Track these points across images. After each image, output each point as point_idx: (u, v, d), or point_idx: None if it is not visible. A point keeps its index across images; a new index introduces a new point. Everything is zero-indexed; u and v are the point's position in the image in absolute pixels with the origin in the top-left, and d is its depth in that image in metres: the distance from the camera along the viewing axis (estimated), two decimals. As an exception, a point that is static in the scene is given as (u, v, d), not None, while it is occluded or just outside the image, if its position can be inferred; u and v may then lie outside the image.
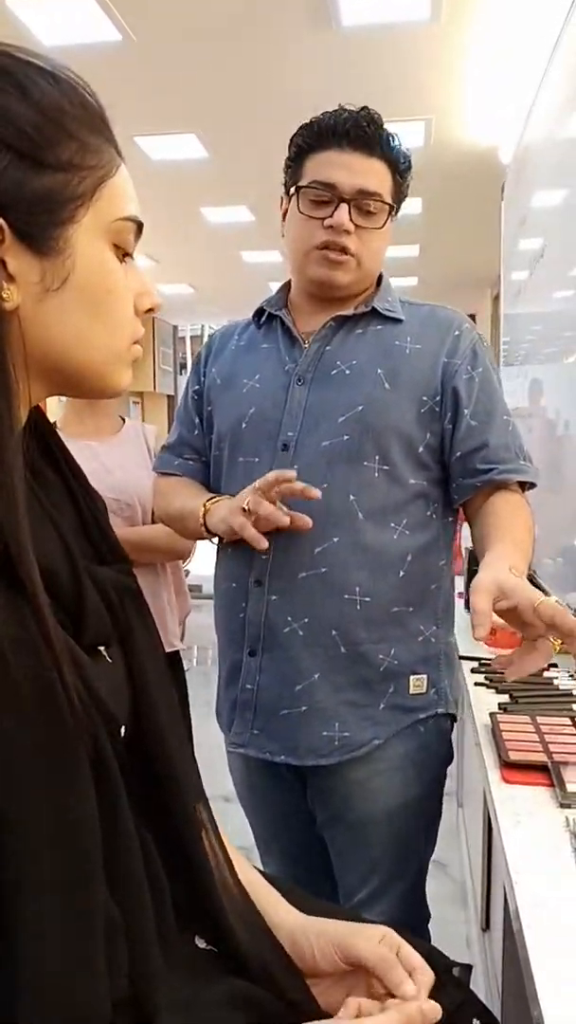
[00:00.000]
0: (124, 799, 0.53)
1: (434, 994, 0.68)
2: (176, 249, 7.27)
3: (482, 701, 1.30)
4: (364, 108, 1.18)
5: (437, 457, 1.21)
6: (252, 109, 4.40)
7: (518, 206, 2.81)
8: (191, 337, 12.96)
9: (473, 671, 1.46)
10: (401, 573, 1.18)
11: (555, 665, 1.48)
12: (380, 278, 1.29)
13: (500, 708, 1.25)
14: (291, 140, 1.22)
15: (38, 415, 0.61)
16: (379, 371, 1.18)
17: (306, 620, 1.16)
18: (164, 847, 0.60)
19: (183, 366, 12.09)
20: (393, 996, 0.62)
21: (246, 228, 6.66)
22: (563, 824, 0.90)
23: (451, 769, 1.26)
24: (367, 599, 1.15)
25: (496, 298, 6.49)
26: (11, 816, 0.46)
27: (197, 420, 1.34)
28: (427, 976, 0.64)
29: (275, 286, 1.36)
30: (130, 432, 1.94)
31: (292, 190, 1.21)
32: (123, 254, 0.57)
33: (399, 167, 1.20)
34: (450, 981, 0.73)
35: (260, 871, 0.76)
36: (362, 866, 1.26)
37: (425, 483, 1.20)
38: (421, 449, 1.18)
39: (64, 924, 0.47)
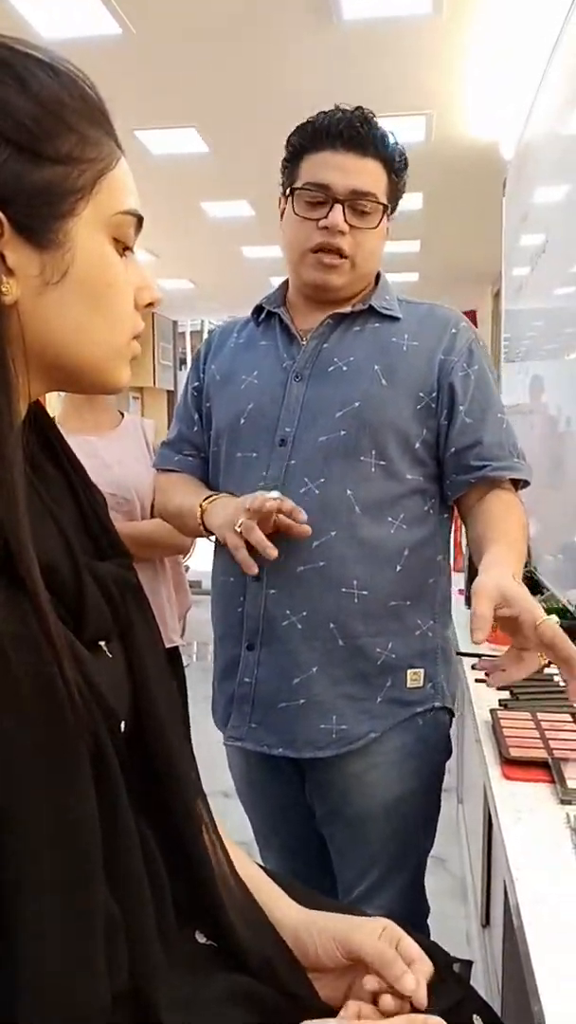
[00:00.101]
0: (124, 795, 0.53)
1: (434, 989, 0.68)
2: (176, 244, 7.25)
3: (483, 697, 1.30)
4: (358, 108, 1.18)
5: (433, 453, 1.22)
6: (253, 103, 4.39)
7: (519, 202, 2.80)
8: (191, 332, 12.96)
9: (474, 667, 1.46)
10: (398, 567, 1.18)
11: (555, 661, 1.48)
12: (378, 276, 1.30)
13: (501, 705, 1.25)
14: (287, 141, 1.23)
15: (38, 410, 0.61)
16: (376, 368, 1.19)
17: (304, 613, 1.17)
18: (164, 843, 0.60)
19: (183, 361, 12.08)
20: (393, 990, 0.62)
21: (247, 223, 6.65)
22: (563, 820, 0.90)
23: (451, 765, 1.26)
24: (365, 593, 1.16)
25: (497, 294, 6.48)
26: (11, 815, 0.46)
27: (196, 416, 1.35)
28: (426, 966, 0.65)
29: (276, 281, 1.37)
30: (129, 427, 1.93)
31: (287, 191, 1.22)
32: (123, 248, 0.56)
33: (394, 166, 1.21)
34: (451, 977, 0.73)
35: (261, 866, 0.76)
36: (361, 860, 1.26)
37: (422, 479, 1.21)
38: (417, 445, 1.20)
39: (64, 924, 0.47)
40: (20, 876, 0.46)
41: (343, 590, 1.16)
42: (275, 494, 1.11)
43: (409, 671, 1.21)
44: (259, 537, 1.09)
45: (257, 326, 1.32)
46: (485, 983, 1.68)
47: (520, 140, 2.91)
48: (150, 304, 0.59)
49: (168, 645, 1.86)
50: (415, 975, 0.63)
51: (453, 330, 1.23)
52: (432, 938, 0.82)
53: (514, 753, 1.05)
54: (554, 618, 0.95)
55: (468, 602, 2.08)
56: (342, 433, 1.17)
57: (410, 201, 6.09)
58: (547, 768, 1.01)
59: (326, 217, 1.17)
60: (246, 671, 1.22)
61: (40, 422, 0.61)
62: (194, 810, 0.63)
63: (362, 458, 1.17)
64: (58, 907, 0.47)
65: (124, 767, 0.54)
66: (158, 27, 3.64)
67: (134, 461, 1.85)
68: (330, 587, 1.16)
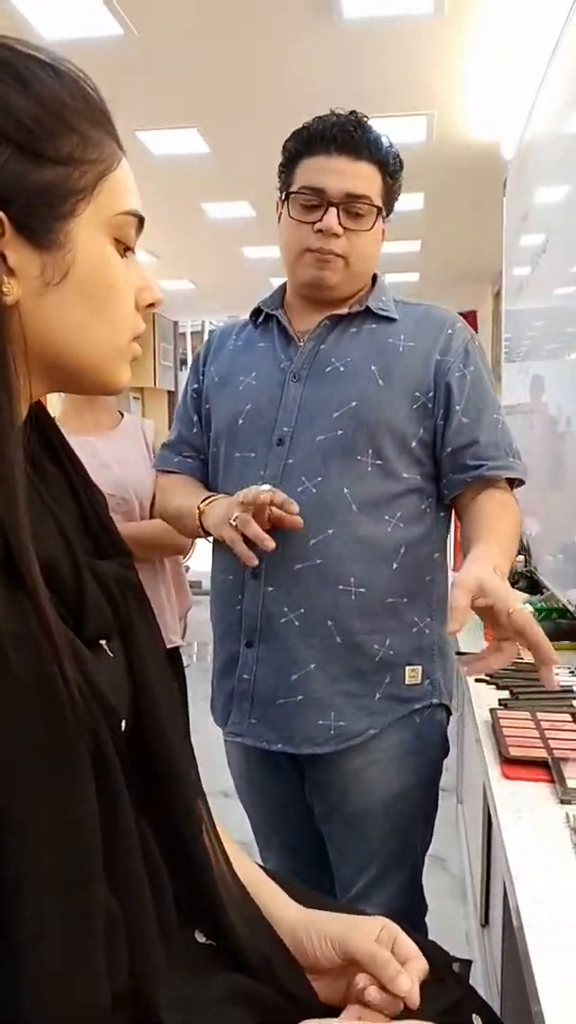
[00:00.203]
0: (124, 794, 0.53)
1: (433, 989, 0.68)
2: (177, 244, 7.25)
3: (482, 697, 1.30)
4: (352, 112, 1.20)
5: (430, 453, 1.24)
6: (253, 103, 4.39)
7: (520, 202, 2.80)
8: (192, 333, 12.94)
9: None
10: (395, 565, 1.20)
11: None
12: (375, 278, 1.31)
13: (500, 704, 1.25)
14: (284, 146, 1.25)
15: (39, 410, 0.61)
16: (373, 368, 1.21)
17: (302, 611, 1.18)
18: (164, 842, 0.60)
19: (184, 362, 12.07)
20: (385, 988, 0.62)
21: (247, 223, 6.65)
22: (563, 820, 0.90)
23: (451, 765, 1.26)
24: (362, 590, 1.18)
25: (498, 294, 6.48)
26: (11, 814, 0.46)
27: (196, 418, 1.37)
28: (420, 965, 0.65)
29: (276, 282, 1.38)
30: (129, 427, 1.93)
31: (283, 196, 1.24)
32: (124, 249, 0.56)
33: (389, 168, 1.22)
34: (450, 976, 0.73)
35: (260, 866, 0.76)
36: (359, 858, 1.27)
37: (419, 477, 1.23)
38: (414, 444, 1.21)
39: (64, 924, 0.47)
40: (20, 876, 0.46)
41: (340, 587, 1.17)
42: (267, 487, 1.12)
43: (407, 668, 1.23)
44: (256, 530, 1.10)
45: (256, 328, 1.34)
46: (484, 983, 1.68)
47: (521, 140, 2.91)
48: (151, 305, 0.59)
49: (168, 646, 1.86)
50: (409, 974, 0.63)
51: (449, 331, 1.25)
52: (431, 938, 0.82)
53: (514, 752, 1.05)
54: (528, 608, 0.96)
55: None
56: (339, 433, 1.18)
57: (410, 201, 6.12)
58: (547, 768, 1.01)
59: (321, 220, 1.18)
60: (245, 668, 1.23)
61: (41, 422, 0.62)
62: (194, 809, 0.63)
63: (359, 457, 1.18)
64: (58, 907, 0.47)
65: (124, 766, 0.54)
66: (159, 28, 3.64)
67: (134, 461, 1.85)
68: (327, 584, 1.17)
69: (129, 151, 0.56)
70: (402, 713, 1.23)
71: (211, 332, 1.45)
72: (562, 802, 0.94)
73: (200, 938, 0.63)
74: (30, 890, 0.47)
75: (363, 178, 1.19)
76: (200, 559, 1.92)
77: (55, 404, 2.25)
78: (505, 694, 1.30)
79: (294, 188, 1.21)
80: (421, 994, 0.65)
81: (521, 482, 1.26)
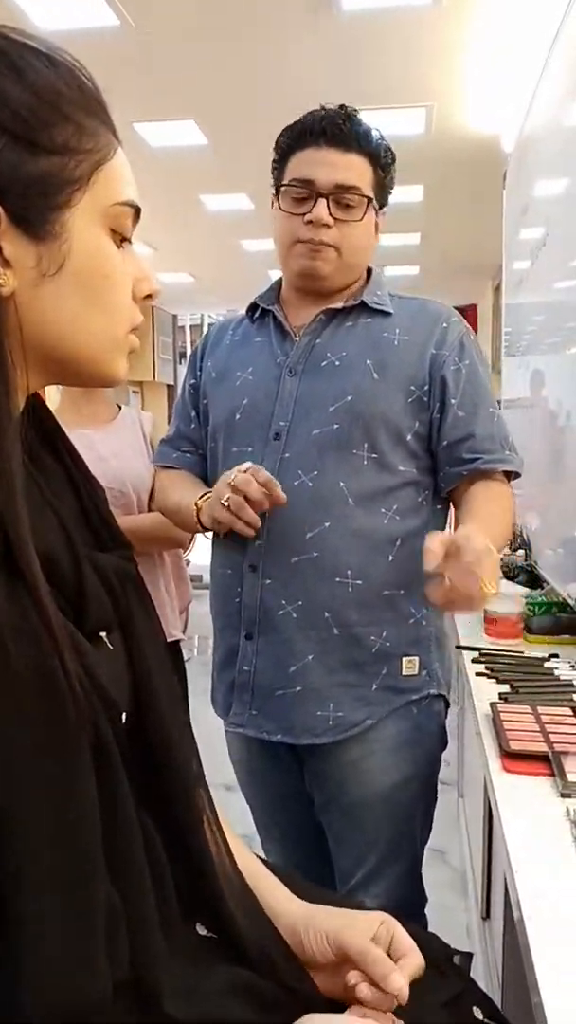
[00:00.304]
0: (125, 786, 0.53)
1: (435, 982, 0.69)
2: (175, 237, 7.23)
3: (483, 691, 1.30)
4: (342, 106, 1.22)
5: (426, 446, 1.25)
6: (252, 95, 4.37)
7: (519, 194, 2.79)
8: (191, 326, 12.91)
9: (474, 661, 1.47)
10: (391, 557, 1.21)
11: (556, 656, 1.49)
12: (370, 272, 1.32)
13: (501, 698, 1.25)
14: (276, 142, 1.26)
15: (37, 403, 0.61)
16: (368, 362, 1.22)
17: (300, 603, 1.19)
18: (165, 834, 0.60)
19: (183, 355, 12.05)
20: (380, 987, 0.63)
21: (246, 216, 6.63)
22: (564, 814, 0.90)
23: (452, 759, 1.26)
24: (358, 582, 1.19)
25: (498, 288, 6.46)
26: (11, 808, 0.46)
27: (194, 413, 1.38)
28: (416, 960, 0.65)
29: (275, 274, 1.38)
30: (126, 420, 1.92)
31: (275, 190, 1.25)
32: (120, 239, 0.56)
33: (380, 160, 1.23)
34: (451, 969, 0.73)
35: (262, 859, 0.76)
36: (357, 848, 1.29)
37: (415, 470, 1.24)
38: (409, 437, 1.22)
39: (64, 924, 0.48)
40: (21, 871, 0.46)
41: (337, 580, 1.18)
42: (248, 464, 1.14)
43: (404, 659, 1.24)
44: (251, 515, 1.13)
45: (252, 323, 1.35)
46: (485, 976, 1.69)
47: (520, 132, 2.89)
48: (148, 296, 0.59)
49: (168, 639, 1.86)
50: (404, 970, 0.63)
51: (444, 324, 1.26)
52: (432, 931, 0.82)
53: (514, 746, 1.05)
54: (486, 543, 0.97)
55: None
56: (335, 426, 1.19)
57: (410, 194, 6.10)
58: (547, 761, 1.01)
59: (311, 211, 1.19)
60: (245, 660, 1.25)
61: (39, 415, 0.61)
62: (195, 801, 0.63)
63: (354, 451, 1.19)
64: (58, 906, 0.47)
65: (125, 758, 0.54)
66: (156, 19, 3.62)
67: (131, 454, 1.85)
68: (324, 577, 1.18)
69: (126, 143, 0.56)
70: (399, 704, 1.24)
71: (209, 327, 1.46)
72: (562, 796, 0.94)
73: (201, 930, 0.63)
74: (30, 889, 0.47)
75: (353, 169, 1.20)
76: (201, 553, 1.92)
77: (53, 398, 2.25)
78: (505, 688, 1.30)
79: (285, 181, 1.23)
80: (422, 987, 0.65)
81: (518, 474, 1.27)
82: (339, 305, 1.26)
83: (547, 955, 0.66)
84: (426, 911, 1.40)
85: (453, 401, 1.22)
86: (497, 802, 0.94)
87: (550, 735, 1.09)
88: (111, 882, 0.51)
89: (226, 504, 1.13)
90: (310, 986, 0.66)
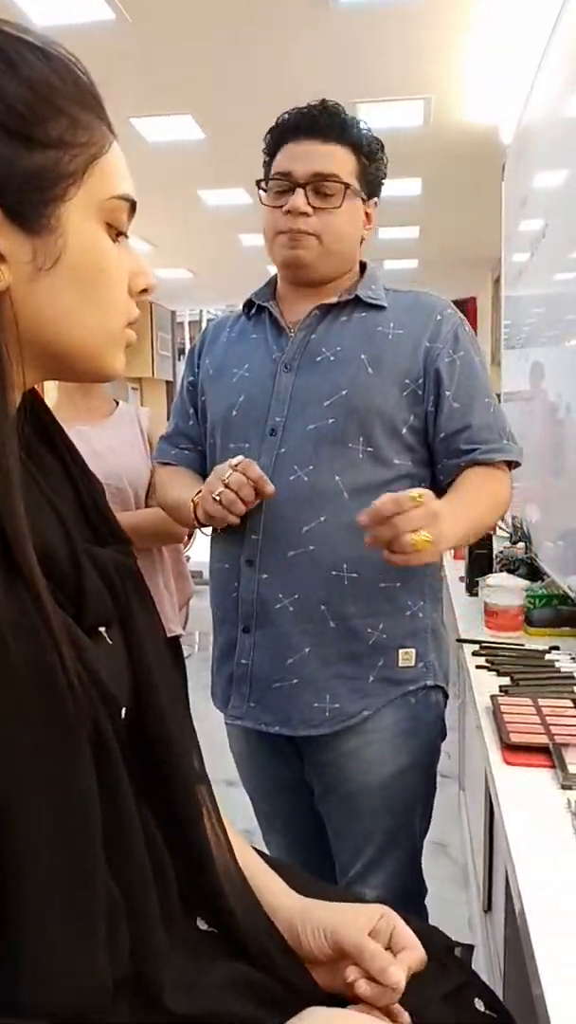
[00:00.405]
0: (125, 781, 0.53)
1: (436, 974, 0.69)
2: (174, 233, 7.21)
3: (483, 683, 1.30)
4: (323, 100, 1.24)
5: (422, 439, 1.25)
6: (249, 89, 4.35)
7: (518, 187, 2.78)
8: (189, 322, 12.88)
9: (474, 654, 1.47)
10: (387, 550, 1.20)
11: (556, 648, 1.49)
12: (364, 267, 1.34)
13: (501, 690, 1.25)
14: (264, 142, 1.28)
15: (34, 398, 0.61)
16: (362, 356, 1.22)
17: (296, 596, 1.20)
18: (165, 829, 0.60)
19: (181, 352, 12.02)
20: (377, 981, 0.62)
21: (244, 211, 6.60)
22: (564, 806, 0.90)
23: (453, 752, 1.26)
24: (354, 575, 1.19)
25: (497, 280, 6.44)
26: (11, 805, 0.46)
27: (192, 410, 1.40)
28: (417, 955, 0.64)
29: (273, 269, 1.39)
30: (123, 415, 1.92)
31: (258, 187, 1.28)
32: (116, 233, 0.56)
33: (364, 149, 1.24)
34: (452, 961, 0.73)
35: (262, 853, 0.77)
36: (356, 838, 1.30)
37: (410, 464, 1.24)
38: (405, 431, 1.23)
39: (64, 923, 0.48)
40: (20, 872, 0.46)
41: (333, 573, 1.19)
42: (239, 458, 1.16)
43: (400, 651, 1.25)
44: (242, 511, 1.15)
45: (248, 320, 1.36)
46: (487, 968, 1.69)
47: (519, 124, 2.88)
48: (145, 290, 0.59)
49: (168, 635, 1.86)
50: (402, 964, 0.63)
51: (438, 317, 1.26)
52: (434, 923, 0.82)
53: (515, 738, 1.05)
54: (426, 494, 1.01)
55: (469, 589, 2.09)
56: (330, 421, 1.20)
57: (409, 187, 6.08)
58: (548, 753, 1.01)
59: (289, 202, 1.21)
60: (243, 653, 1.26)
61: (37, 411, 0.61)
62: (195, 796, 0.63)
63: (350, 445, 1.20)
64: (58, 905, 0.48)
65: (125, 754, 0.54)
66: (153, 13, 3.61)
67: (129, 450, 1.84)
68: (320, 570, 1.19)
69: (124, 139, 0.55)
70: (396, 694, 1.25)
71: (208, 322, 1.47)
72: (563, 787, 0.94)
73: (201, 925, 0.63)
74: (30, 887, 0.47)
75: (332, 158, 1.21)
76: (201, 549, 1.92)
77: (50, 394, 2.24)
78: (506, 680, 1.31)
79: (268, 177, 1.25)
80: (423, 979, 0.65)
81: (518, 464, 1.28)
82: (333, 300, 1.27)
83: (548, 946, 0.67)
84: (428, 904, 1.40)
85: (448, 393, 1.22)
86: (498, 794, 0.94)
87: (551, 727, 1.09)
88: (112, 877, 0.51)
89: (217, 499, 1.15)
90: (309, 981, 0.66)
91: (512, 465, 1.27)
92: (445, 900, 2.08)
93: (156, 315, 10.41)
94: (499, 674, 1.35)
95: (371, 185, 1.27)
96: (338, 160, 1.22)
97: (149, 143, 5.10)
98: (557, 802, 0.91)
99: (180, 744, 0.63)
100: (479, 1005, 0.70)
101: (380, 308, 1.27)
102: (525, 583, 1.72)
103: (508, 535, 2.49)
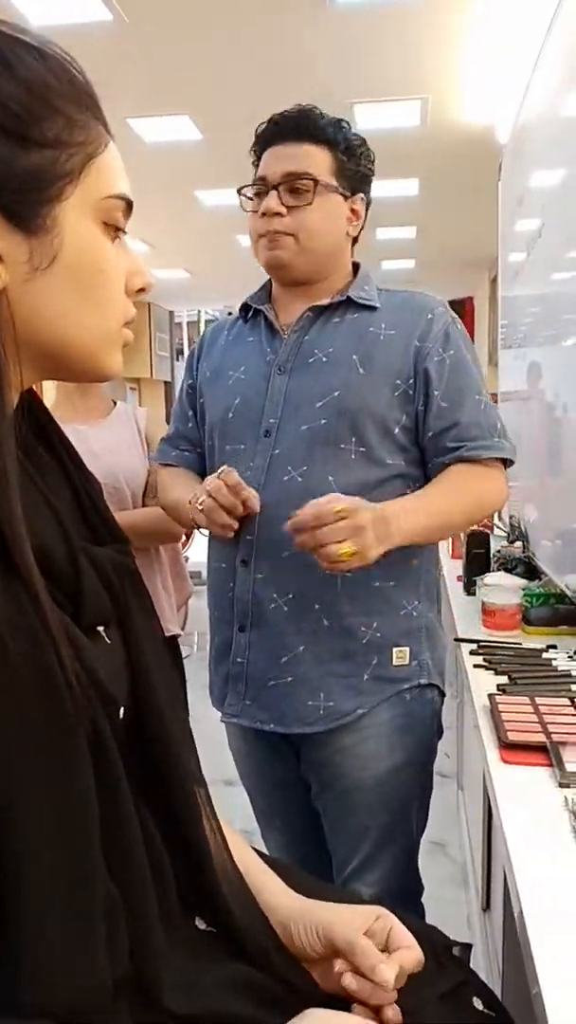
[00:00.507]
0: (124, 781, 0.54)
1: (434, 973, 0.69)
2: (171, 233, 7.21)
3: (481, 682, 1.30)
4: (299, 104, 1.26)
5: (414, 439, 1.26)
6: (246, 89, 4.35)
7: (515, 186, 2.78)
8: (187, 323, 12.89)
9: (472, 653, 1.47)
10: None
11: (554, 647, 1.49)
12: (357, 268, 1.35)
13: (499, 689, 1.25)
14: (251, 152, 1.30)
15: (32, 398, 0.61)
16: (354, 357, 1.24)
17: (290, 596, 1.22)
18: (163, 828, 0.60)
19: (180, 352, 12.03)
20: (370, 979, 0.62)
21: (242, 211, 6.59)
22: (562, 804, 0.90)
23: (451, 751, 1.26)
24: (348, 574, 1.20)
25: (494, 280, 6.45)
26: (10, 806, 0.46)
27: (191, 413, 1.41)
28: (414, 955, 0.64)
29: (271, 270, 1.38)
30: (121, 415, 1.92)
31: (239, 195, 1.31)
32: (114, 231, 0.56)
33: (340, 146, 1.25)
34: (450, 960, 0.73)
35: (261, 853, 0.77)
36: (352, 835, 1.30)
37: (403, 463, 1.25)
38: (397, 431, 1.23)
39: (64, 924, 0.48)
40: (20, 872, 0.46)
41: (326, 572, 1.19)
42: (223, 468, 1.17)
43: (395, 650, 1.25)
44: (224, 519, 1.16)
45: (245, 323, 1.38)
46: (486, 967, 1.70)
47: (515, 123, 2.89)
48: (142, 290, 0.59)
49: (166, 635, 1.86)
50: (395, 963, 0.62)
51: (429, 316, 1.26)
52: (432, 923, 0.82)
53: (512, 737, 1.05)
54: (350, 507, 1.06)
55: (467, 588, 2.09)
56: (322, 422, 1.21)
57: (406, 187, 6.07)
58: (545, 752, 1.01)
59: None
60: (238, 652, 1.27)
61: (35, 410, 0.61)
62: (193, 796, 0.63)
63: (342, 445, 1.21)
64: (58, 905, 0.48)
65: (123, 753, 0.54)
66: (149, 13, 3.60)
67: (125, 450, 1.84)
68: (314, 570, 1.18)
69: (121, 139, 0.56)
70: (391, 692, 1.26)
71: (206, 323, 1.49)
72: (561, 786, 0.94)
73: (200, 924, 0.63)
74: (30, 887, 0.47)
75: (304, 157, 1.23)
76: (199, 549, 1.92)
77: (48, 393, 2.24)
78: (504, 679, 1.31)
79: None
80: (421, 978, 0.65)
81: (511, 462, 1.28)
82: (325, 302, 1.28)
83: (546, 945, 0.67)
84: (427, 904, 1.41)
85: (436, 393, 1.23)
86: (496, 793, 0.94)
87: (548, 726, 1.09)
88: (111, 877, 0.51)
89: (200, 507, 1.17)
90: (309, 981, 0.66)
91: (506, 463, 1.28)
92: (444, 899, 2.08)
93: (154, 316, 10.41)
94: (497, 673, 1.35)
95: (353, 181, 1.27)
96: (310, 158, 1.23)
97: (146, 143, 5.10)
98: (555, 800, 0.91)
99: (178, 744, 0.63)
100: (477, 1004, 0.70)
101: (372, 309, 1.28)
102: (523, 582, 1.72)
103: (506, 534, 2.49)
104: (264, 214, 1.23)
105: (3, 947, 0.47)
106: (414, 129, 4.87)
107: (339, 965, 0.64)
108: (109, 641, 0.59)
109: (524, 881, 0.76)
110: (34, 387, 0.60)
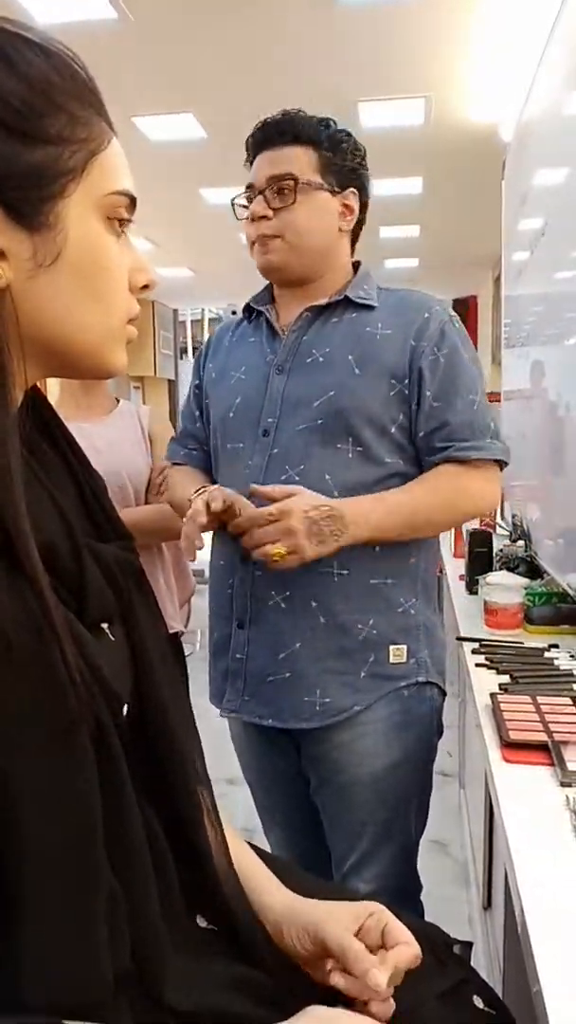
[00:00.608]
0: (127, 778, 0.54)
1: (434, 971, 0.69)
2: (176, 232, 7.21)
3: (483, 682, 1.30)
4: (283, 110, 1.27)
5: (411, 438, 1.26)
6: (250, 87, 4.35)
7: (518, 184, 2.78)
8: (191, 321, 12.88)
9: (474, 652, 1.47)
10: (376, 548, 1.23)
11: (556, 646, 1.49)
12: (358, 267, 1.35)
13: (501, 688, 1.25)
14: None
15: (36, 395, 0.61)
16: (350, 357, 1.24)
17: (287, 593, 1.23)
18: (167, 825, 0.60)
19: (184, 350, 12.02)
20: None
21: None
22: (563, 803, 0.90)
23: (453, 750, 1.27)
24: (343, 572, 1.21)
25: (498, 279, 6.44)
26: (12, 803, 0.46)
27: (198, 413, 1.44)
28: (410, 951, 0.63)
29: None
30: (124, 412, 1.92)
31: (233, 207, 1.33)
32: (119, 224, 0.56)
33: (321, 144, 1.26)
34: (451, 958, 0.74)
35: (260, 851, 0.77)
36: (349, 830, 1.31)
37: (401, 462, 1.25)
38: (394, 430, 1.24)
39: (66, 922, 0.48)
40: (22, 869, 0.47)
41: (322, 570, 1.21)
42: (211, 492, 1.17)
43: (392, 647, 1.26)
44: (201, 543, 1.17)
45: (249, 324, 1.39)
46: (487, 965, 1.70)
47: (519, 121, 2.88)
48: (146, 286, 0.59)
49: (169, 631, 1.85)
50: (389, 964, 0.62)
51: (425, 315, 1.26)
52: (434, 921, 0.82)
53: (514, 736, 1.05)
54: (286, 512, 1.10)
55: (469, 587, 2.09)
56: (319, 422, 1.22)
57: (409, 185, 6.06)
58: (547, 751, 1.02)
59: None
60: (237, 648, 1.28)
61: (39, 408, 0.61)
62: (196, 793, 0.63)
63: (339, 445, 1.22)
64: (61, 903, 0.48)
65: (127, 750, 0.54)
66: (154, 12, 3.61)
67: (129, 447, 1.85)
68: (310, 568, 1.20)
69: (126, 137, 0.56)
70: (388, 690, 1.26)
71: (210, 322, 1.51)
72: (562, 785, 0.94)
73: (201, 923, 0.63)
74: (32, 885, 0.47)
75: (287, 159, 1.24)
76: (205, 549, 1.92)
77: (52, 391, 2.24)
78: (505, 678, 1.31)
79: None
80: (420, 976, 0.65)
81: (505, 463, 1.28)
82: (323, 302, 1.29)
83: (547, 943, 0.67)
84: (429, 902, 1.41)
85: (428, 393, 1.23)
86: (497, 792, 0.94)
87: (550, 724, 1.09)
88: (114, 874, 0.51)
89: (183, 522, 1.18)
90: (306, 980, 0.66)
91: (502, 464, 1.28)
92: (445, 898, 2.09)
93: (158, 314, 10.40)
94: (499, 672, 1.35)
95: (341, 176, 1.27)
96: (293, 159, 1.24)
97: (151, 141, 5.10)
98: (556, 799, 0.91)
99: (182, 741, 0.63)
100: (478, 1002, 0.71)
101: (370, 308, 1.28)
102: (525, 581, 1.72)
103: (508, 533, 2.49)
104: (253, 219, 1.26)
105: (5, 945, 0.47)
106: (418, 127, 4.86)
107: (331, 964, 0.64)
108: (113, 638, 0.59)
109: (525, 880, 0.76)
110: (38, 385, 0.60)
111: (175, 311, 11.67)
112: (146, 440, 1.89)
